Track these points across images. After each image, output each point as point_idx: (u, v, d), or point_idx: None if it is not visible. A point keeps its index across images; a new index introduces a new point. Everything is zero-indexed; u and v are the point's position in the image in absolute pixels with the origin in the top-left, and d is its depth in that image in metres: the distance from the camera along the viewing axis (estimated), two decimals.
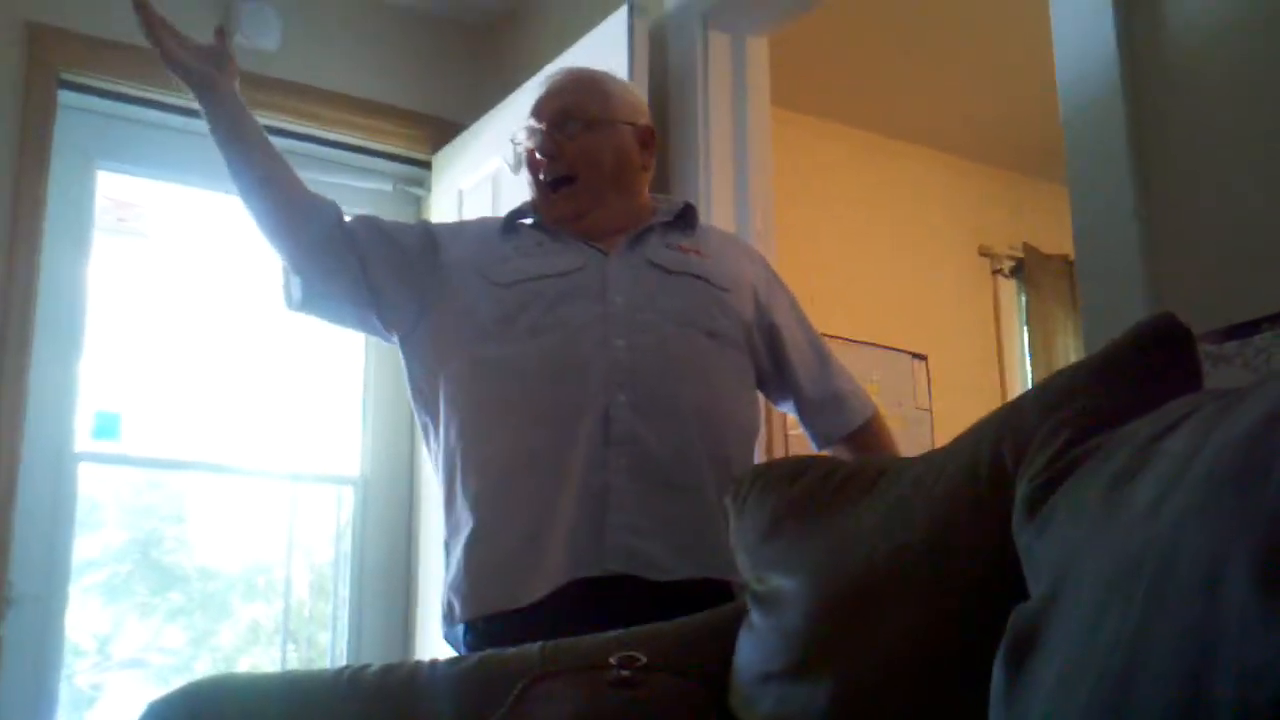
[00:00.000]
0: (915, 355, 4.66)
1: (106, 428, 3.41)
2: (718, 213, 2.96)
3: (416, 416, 2.13)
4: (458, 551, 1.96)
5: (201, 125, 3.51)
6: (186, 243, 3.75)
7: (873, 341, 4.52)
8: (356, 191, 3.86)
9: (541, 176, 2.11)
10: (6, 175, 3.20)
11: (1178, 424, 0.97)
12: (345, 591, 3.70)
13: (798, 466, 1.45)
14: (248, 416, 3.69)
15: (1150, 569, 0.84)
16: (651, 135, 2.20)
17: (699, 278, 2.10)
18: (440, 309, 2.05)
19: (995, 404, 4.21)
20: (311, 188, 3.78)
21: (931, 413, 4.62)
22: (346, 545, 3.74)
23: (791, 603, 1.30)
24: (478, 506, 1.95)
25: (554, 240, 2.09)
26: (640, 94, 2.29)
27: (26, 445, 3.11)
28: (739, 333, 2.10)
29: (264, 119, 3.53)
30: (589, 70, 2.27)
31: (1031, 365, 4.99)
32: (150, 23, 1.97)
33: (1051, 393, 1.19)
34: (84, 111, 3.45)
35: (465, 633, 1.91)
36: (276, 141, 3.61)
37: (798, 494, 1.39)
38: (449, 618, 1.96)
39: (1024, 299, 5.08)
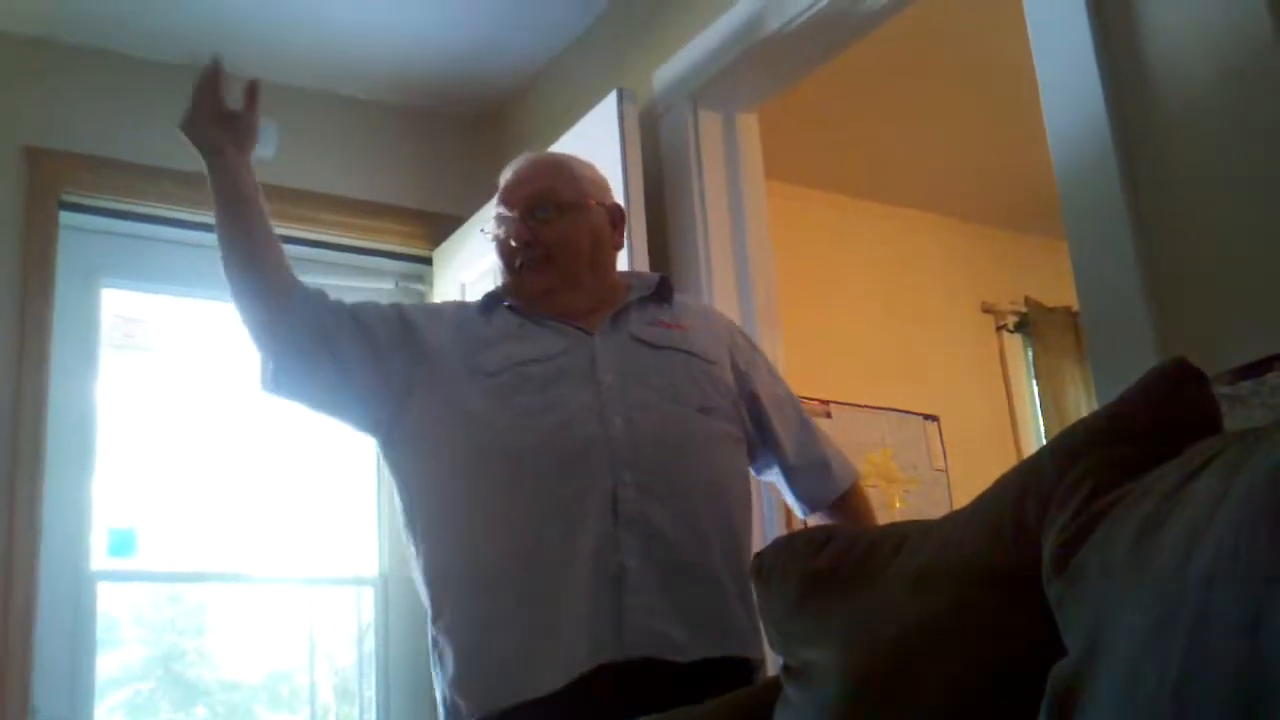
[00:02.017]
0: (927, 417, 4.65)
1: (122, 544, 3.39)
2: (719, 289, 2.97)
3: (402, 514, 2.07)
4: (459, 648, 1.91)
5: (201, 236, 3.58)
6: (193, 355, 3.77)
7: (883, 405, 4.52)
8: (359, 292, 3.86)
9: (518, 263, 2.10)
10: (12, 297, 3.22)
11: (1202, 468, 0.96)
12: (371, 693, 3.66)
13: (820, 537, 1.43)
14: (262, 524, 3.68)
15: (1187, 617, 0.83)
16: (621, 214, 2.21)
17: (685, 352, 2.09)
18: (424, 400, 2.01)
19: (1010, 460, 4.20)
20: None
21: (947, 473, 4.60)
22: (369, 646, 3.71)
23: (825, 676, 1.28)
24: (482, 598, 1.90)
25: (534, 324, 2.07)
26: (604, 174, 2.29)
27: (43, 565, 3.10)
28: (728, 405, 2.08)
29: None
30: (553, 154, 2.29)
31: (1044, 419, 4.97)
32: (209, 85, 2.06)
33: (1070, 446, 1.18)
34: (86, 231, 3.48)
35: None
36: None
37: (823, 565, 1.38)
38: (454, 717, 1.92)
39: (1030, 353, 5.08)
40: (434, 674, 1.99)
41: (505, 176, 2.20)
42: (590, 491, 1.89)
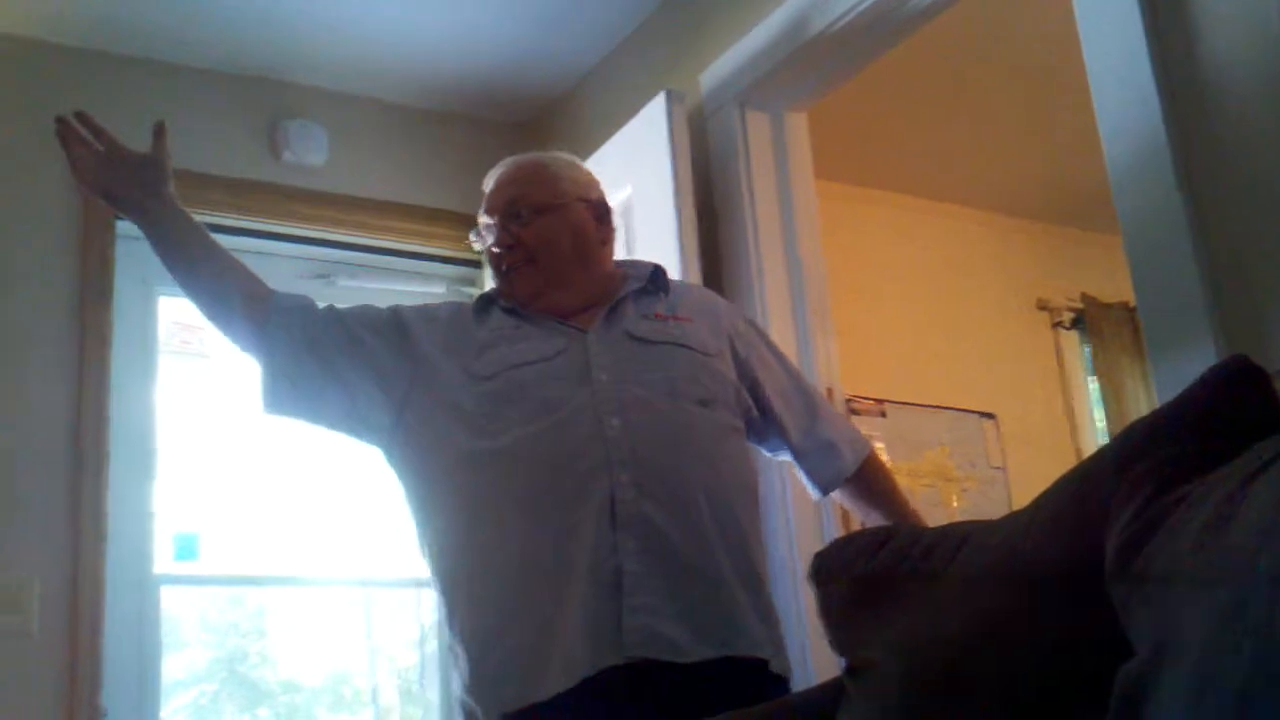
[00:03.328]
0: (984, 415, 4.62)
1: (186, 549, 3.44)
2: (771, 290, 2.96)
3: (412, 520, 2.07)
4: (470, 652, 1.90)
5: (253, 243, 3.62)
6: (249, 360, 3.80)
7: (940, 404, 4.49)
8: (410, 296, 3.90)
9: (504, 267, 2.11)
10: (72, 308, 3.27)
11: (1265, 467, 0.95)
12: (434, 695, 3.68)
13: (879, 538, 1.43)
14: (322, 526, 3.71)
15: (1255, 616, 0.82)
16: (606, 208, 2.21)
17: (681, 345, 2.07)
18: (420, 403, 2.01)
19: (1068, 457, 4.17)
20: (365, 296, 3.85)
21: (1006, 471, 4.57)
22: (431, 647, 3.73)
23: (886, 676, 1.28)
24: (484, 604, 1.90)
25: (530, 324, 2.06)
26: (588, 170, 2.29)
27: (110, 570, 3.14)
28: (728, 395, 2.06)
29: (313, 231, 3.68)
30: (532, 156, 2.27)
31: (1105, 415, 4.92)
32: (66, 136, 2.04)
33: (1131, 445, 1.17)
34: (142, 240, 3.48)
35: None
36: (326, 253, 3.74)
37: (882, 566, 1.38)
38: (467, 712, 1.91)
39: (1088, 350, 5.03)
40: (453, 677, 1.99)
41: (487, 184, 2.21)
42: (587, 494, 1.87)
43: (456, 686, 1.96)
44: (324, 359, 2.04)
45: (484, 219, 2.16)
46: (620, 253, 3.08)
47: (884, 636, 1.33)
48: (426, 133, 3.92)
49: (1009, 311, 4.91)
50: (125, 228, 3.46)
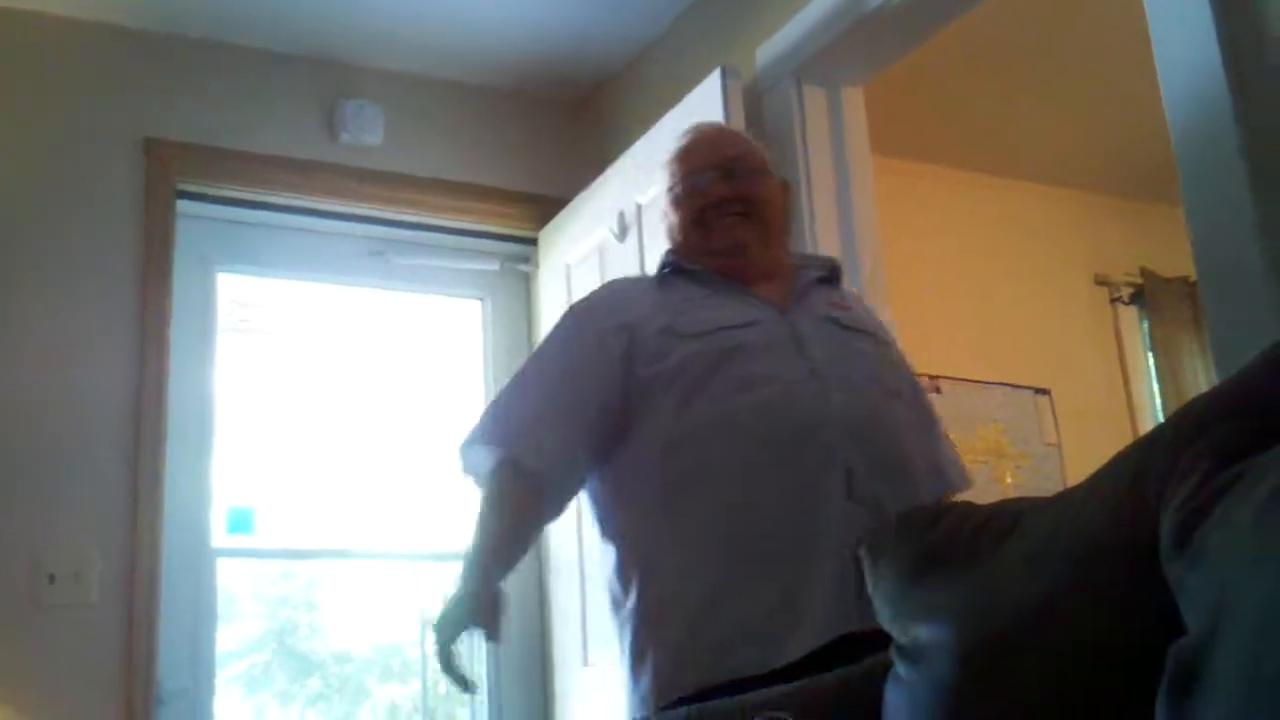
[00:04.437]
0: (1038, 390, 4.58)
1: (241, 522, 3.49)
2: None
3: (591, 494, 2.04)
4: (682, 623, 1.84)
5: (311, 222, 3.65)
6: (305, 337, 3.85)
7: (994, 380, 4.46)
8: (465, 274, 3.93)
9: (713, 219, 2.09)
10: (133, 285, 3.32)
11: None
12: (481, 666, 3.71)
13: (933, 514, 1.42)
14: (374, 500, 3.75)
15: None
16: (790, 192, 2.23)
17: (870, 335, 2.07)
18: (634, 376, 1.98)
19: (1124, 434, 4.12)
20: (420, 273, 3.89)
21: (1060, 448, 4.53)
22: None
23: (938, 653, 1.27)
24: (701, 575, 1.84)
25: (721, 293, 2.04)
26: None
27: (167, 543, 3.20)
28: (909, 391, 2.07)
29: (370, 210, 3.71)
30: (731, 126, 2.32)
31: (1160, 392, 4.86)
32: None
33: (1188, 422, 1.16)
34: (201, 219, 3.56)
35: (696, 699, 1.77)
36: (383, 231, 3.77)
37: (936, 541, 1.37)
38: (663, 693, 1.83)
39: (1146, 325, 4.96)
40: (635, 652, 1.92)
41: (686, 143, 2.21)
42: (826, 469, 1.84)
43: (651, 658, 1.88)
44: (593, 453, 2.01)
45: (689, 173, 2.14)
46: (661, 231, 3.09)
47: (936, 614, 1.32)
48: (482, 111, 3.93)
49: (1066, 286, 4.85)
50: (185, 206, 3.51)
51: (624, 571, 1.96)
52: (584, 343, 2.04)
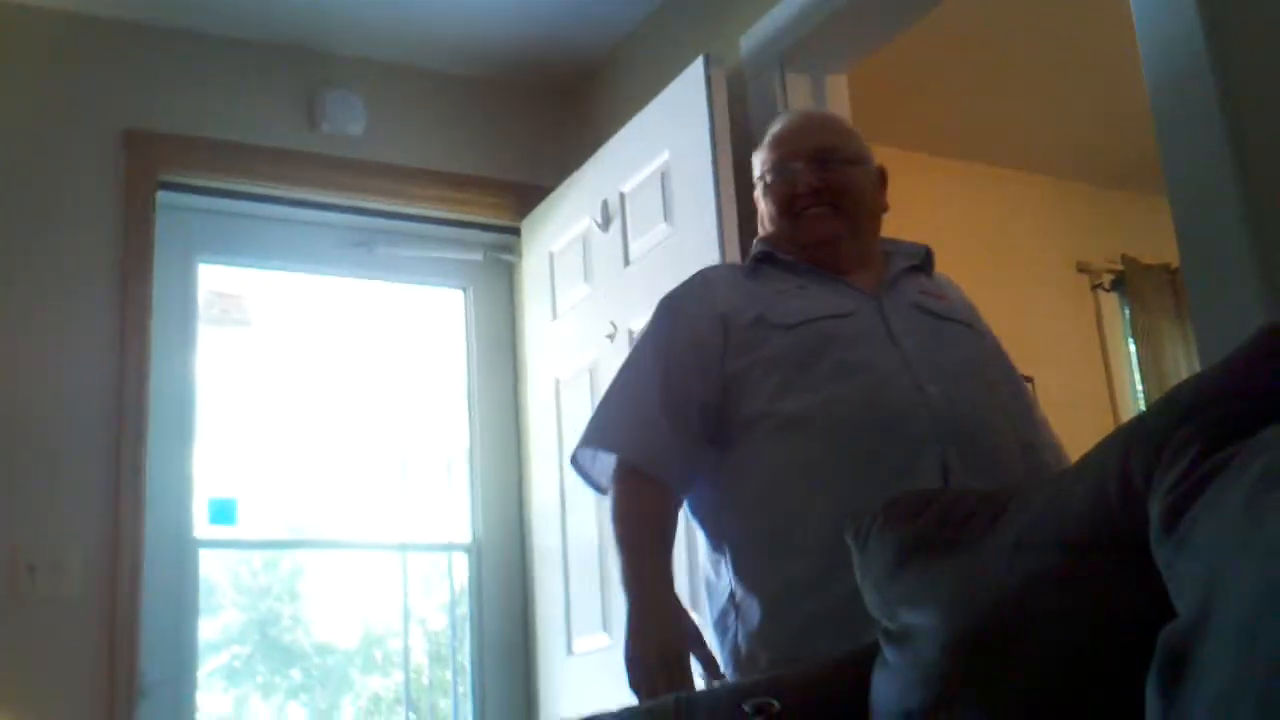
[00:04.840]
0: (1022, 377, 4.58)
1: (223, 513, 3.48)
2: None
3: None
4: (768, 604, 1.86)
5: (291, 212, 3.64)
6: (287, 328, 3.83)
7: None
8: (449, 263, 3.92)
9: (802, 211, 2.06)
10: (113, 276, 3.30)
11: None
12: (463, 657, 3.71)
13: (921, 500, 1.42)
14: (357, 491, 3.74)
15: None
16: (886, 177, 2.20)
17: (967, 326, 2.06)
18: (728, 367, 1.98)
19: (1106, 420, 4.13)
20: (402, 263, 3.88)
21: None
22: (462, 610, 3.76)
23: (926, 638, 1.27)
24: (790, 562, 1.85)
25: (814, 282, 2.02)
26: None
27: (149, 534, 3.19)
28: (1003, 381, 2.06)
29: (352, 200, 3.70)
30: (828, 112, 2.28)
31: (1142, 379, 4.87)
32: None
33: (1177, 405, 1.16)
34: (182, 210, 3.55)
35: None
36: (366, 221, 3.76)
37: (923, 527, 1.37)
38: (749, 665, 1.86)
39: (1128, 312, 4.98)
40: (722, 628, 1.94)
41: (779, 130, 2.18)
42: (919, 459, 1.83)
43: (734, 636, 1.91)
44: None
45: (781, 160, 2.11)
46: (658, 218, 3.09)
47: (924, 600, 1.32)
48: (464, 100, 3.92)
49: (1048, 274, 4.85)
50: (166, 197, 3.49)
51: (715, 553, 1.97)
52: (680, 340, 2.04)
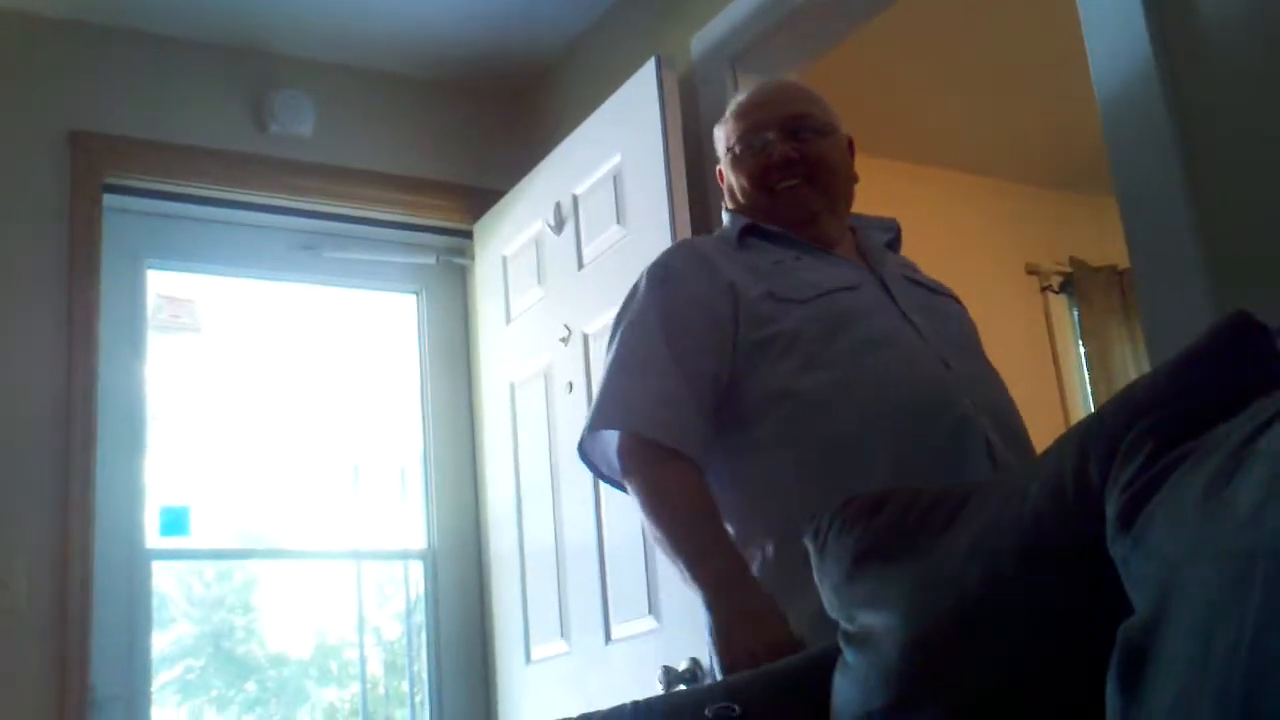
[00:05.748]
0: None
1: (175, 523, 3.43)
2: None
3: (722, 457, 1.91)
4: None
5: (241, 215, 3.60)
6: (238, 334, 3.80)
7: None
8: (401, 267, 3.89)
9: (777, 185, 2.00)
10: (59, 281, 3.25)
11: (1270, 423, 0.94)
12: (420, 667, 3.69)
13: (877, 500, 1.42)
14: (310, 499, 3.71)
15: (1261, 575, 0.81)
16: (854, 146, 2.13)
17: (950, 296, 2.05)
18: (742, 340, 1.89)
19: (1057, 421, 4.16)
20: (353, 267, 3.84)
21: None
22: (418, 619, 3.73)
23: (886, 639, 1.27)
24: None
25: (810, 254, 1.96)
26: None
27: (99, 545, 3.14)
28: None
29: (301, 203, 3.67)
30: (796, 81, 2.20)
31: (1090, 378, 4.93)
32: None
33: (1132, 403, 1.16)
34: (129, 213, 3.50)
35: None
36: (315, 224, 3.72)
37: (880, 527, 1.37)
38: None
39: (1076, 313, 5.03)
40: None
41: (746, 100, 2.10)
42: (965, 438, 1.77)
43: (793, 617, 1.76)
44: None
45: (750, 132, 2.03)
46: (611, 220, 3.08)
47: (883, 600, 1.32)
48: (415, 102, 3.90)
49: (998, 276, 4.89)
50: (112, 200, 3.45)
51: (744, 531, 1.85)
52: (685, 309, 1.92)
